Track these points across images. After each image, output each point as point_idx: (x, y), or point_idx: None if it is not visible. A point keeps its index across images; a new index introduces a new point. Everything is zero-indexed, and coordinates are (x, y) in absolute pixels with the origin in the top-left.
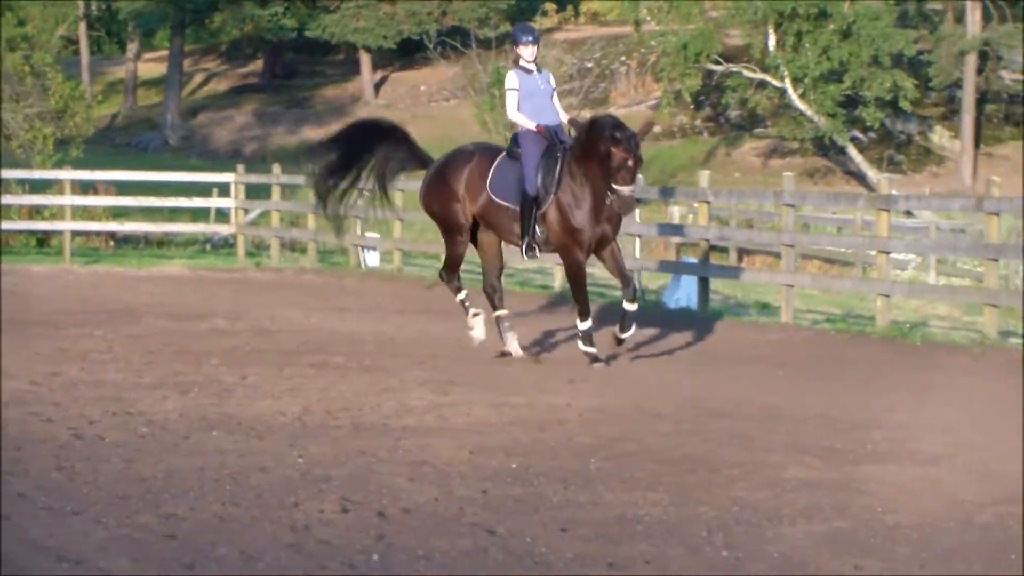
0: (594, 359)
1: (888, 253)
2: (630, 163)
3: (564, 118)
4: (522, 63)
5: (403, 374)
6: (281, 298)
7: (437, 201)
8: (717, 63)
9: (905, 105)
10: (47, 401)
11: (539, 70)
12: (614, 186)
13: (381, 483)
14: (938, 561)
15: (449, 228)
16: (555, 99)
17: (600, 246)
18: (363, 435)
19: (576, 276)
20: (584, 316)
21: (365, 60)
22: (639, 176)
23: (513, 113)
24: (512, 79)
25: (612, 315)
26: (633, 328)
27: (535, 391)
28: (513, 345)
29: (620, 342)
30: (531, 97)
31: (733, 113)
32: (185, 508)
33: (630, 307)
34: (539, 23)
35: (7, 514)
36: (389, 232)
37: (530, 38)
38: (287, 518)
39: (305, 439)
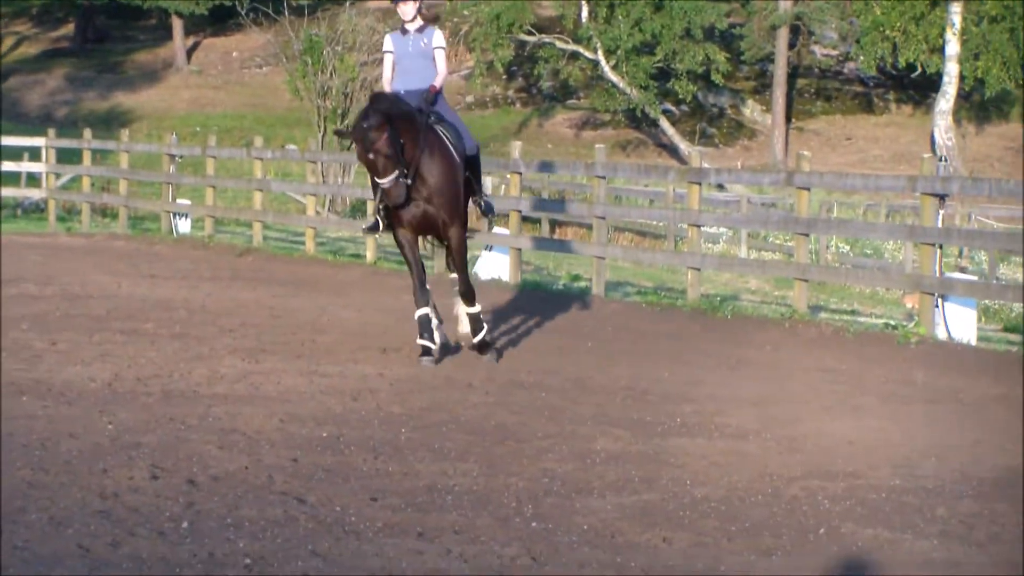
0: (424, 351)
1: (699, 226)
2: (369, 156)
3: (437, 82)
4: (404, 24)
5: (214, 342)
6: (92, 264)
7: None
8: (530, 34)
9: (717, 78)
10: None
11: (421, 29)
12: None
13: (191, 450)
14: (746, 533)
15: None
16: (437, 59)
17: (430, 229)
18: (173, 402)
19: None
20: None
21: (177, 25)
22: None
23: (384, 80)
24: (386, 42)
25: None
26: (483, 331)
27: (348, 361)
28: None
29: (480, 348)
30: (401, 60)
31: (546, 84)
32: None
33: (469, 309)
34: None
35: None
36: (201, 199)
37: None
38: (96, 484)
39: (115, 405)
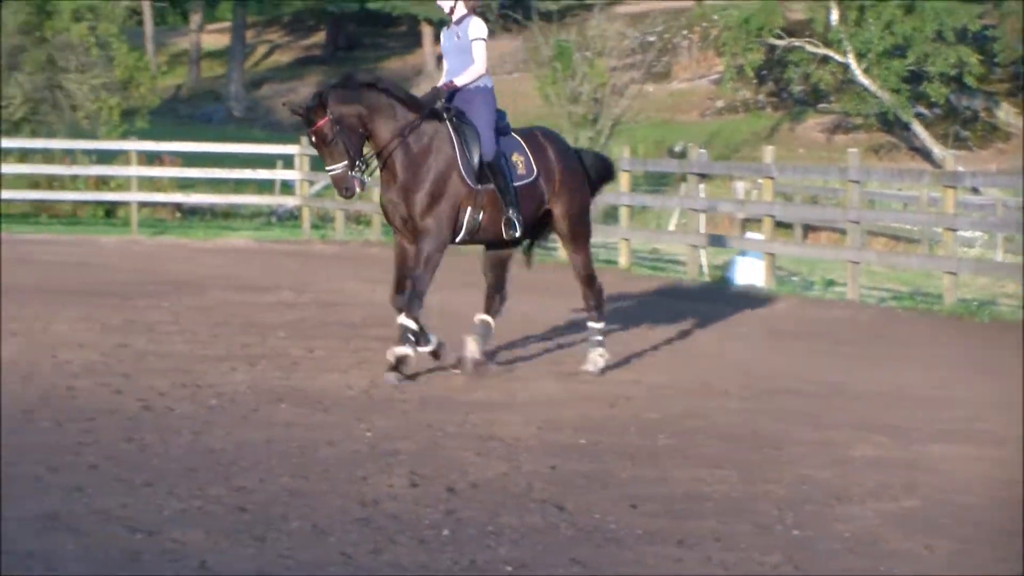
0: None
1: (955, 230)
2: (311, 139)
3: (462, 78)
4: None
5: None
6: (346, 271)
7: None
8: (779, 37)
9: (970, 81)
10: (116, 372)
11: (460, 21)
12: None
13: (449, 457)
14: (1009, 541)
15: None
16: (474, 51)
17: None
18: (430, 409)
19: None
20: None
21: (427, 32)
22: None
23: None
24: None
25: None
26: (408, 346)
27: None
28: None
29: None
30: (445, 56)
31: (796, 88)
32: (255, 481)
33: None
34: None
35: (80, 484)
36: None
37: None
38: (356, 492)
39: (373, 413)
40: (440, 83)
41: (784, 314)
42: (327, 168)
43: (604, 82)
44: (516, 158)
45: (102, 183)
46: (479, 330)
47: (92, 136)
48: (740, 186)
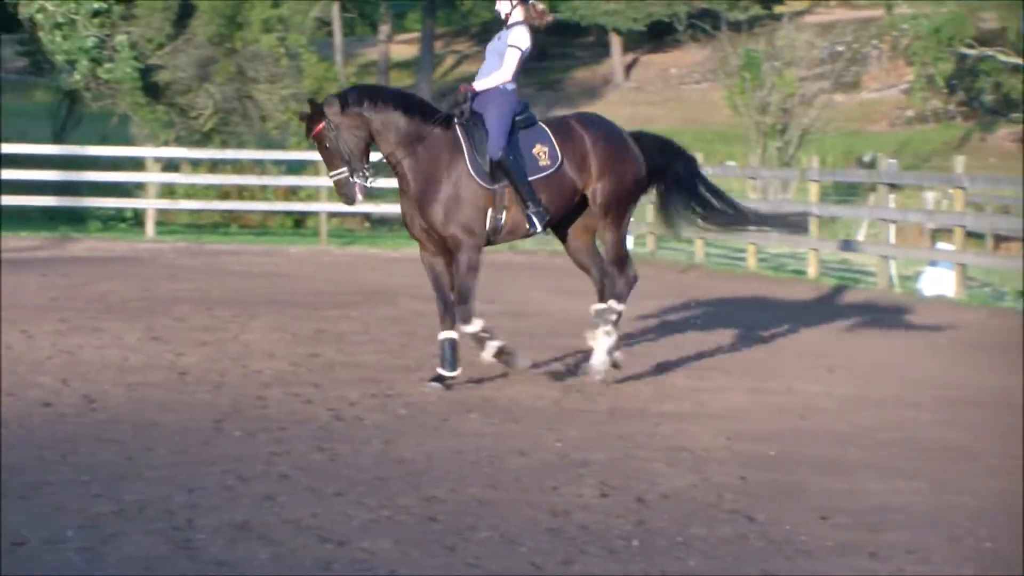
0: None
1: None
2: (314, 144)
3: (482, 82)
4: None
5: (659, 359)
6: (534, 281)
7: None
8: (970, 47)
9: None
10: (307, 382)
11: (511, 26)
12: None
13: (639, 468)
14: None
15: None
16: (506, 57)
17: (438, 243)
18: (620, 420)
19: None
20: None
21: (615, 42)
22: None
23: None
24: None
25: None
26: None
27: (793, 378)
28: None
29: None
30: (487, 56)
31: (987, 98)
32: (445, 490)
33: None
34: (789, 6)
35: (271, 494)
36: (643, 216)
37: None
38: (546, 502)
39: (562, 423)
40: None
41: (975, 325)
42: (329, 174)
43: (793, 92)
44: (539, 149)
45: (291, 193)
46: (597, 320)
47: (281, 147)
48: (930, 196)
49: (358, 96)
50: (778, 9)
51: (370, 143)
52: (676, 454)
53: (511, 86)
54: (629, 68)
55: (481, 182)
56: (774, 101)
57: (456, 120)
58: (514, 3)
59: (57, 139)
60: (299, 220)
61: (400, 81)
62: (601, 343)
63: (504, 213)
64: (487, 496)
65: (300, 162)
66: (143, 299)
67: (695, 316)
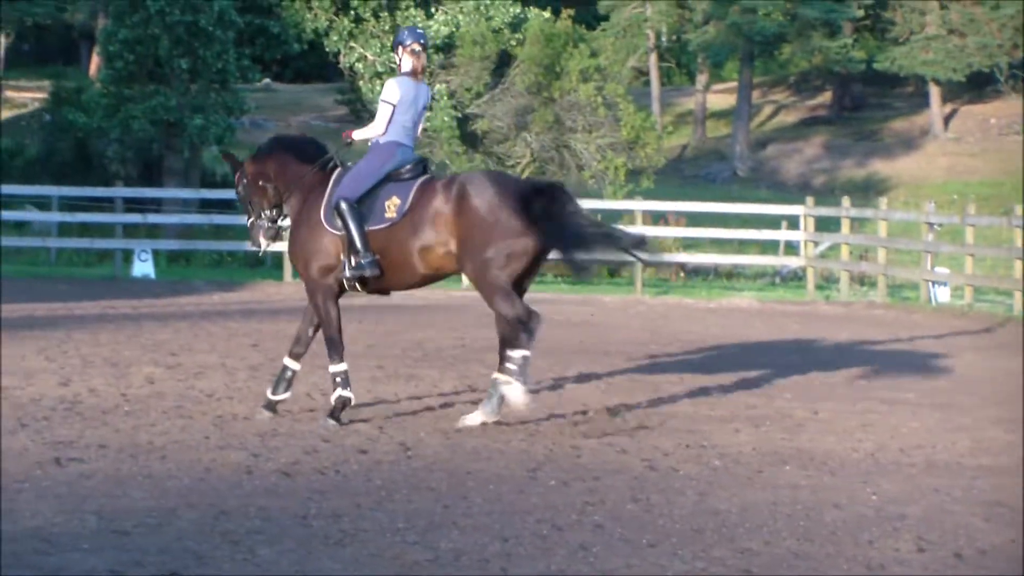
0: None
1: None
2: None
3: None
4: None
5: (977, 412)
6: (849, 332)
7: None
8: None
9: None
10: (621, 432)
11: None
12: None
13: (956, 523)
14: None
15: None
16: (378, 109)
17: None
18: (937, 473)
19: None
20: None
21: (934, 93)
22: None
23: None
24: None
25: None
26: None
27: None
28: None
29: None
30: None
31: None
32: (760, 543)
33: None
34: None
35: (586, 543)
36: (960, 267)
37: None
38: (863, 556)
39: (878, 476)
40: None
41: None
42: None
43: None
44: (392, 201)
45: None
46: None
47: (598, 196)
48: None
49: (268, 144)
50: None
51: (274, 190)
52: (993, 509)
53: (385, 139)
54: (948, 118)
55: (329, 227)
56: None
57: (334, 165)
58: (400, 53)
59: None
60: (614, 269)
61: (716, 131)
62: (505, 390)
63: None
64: (802, 549)
65: (616, 211)
66: (458, 347)
67: (1011, 368)
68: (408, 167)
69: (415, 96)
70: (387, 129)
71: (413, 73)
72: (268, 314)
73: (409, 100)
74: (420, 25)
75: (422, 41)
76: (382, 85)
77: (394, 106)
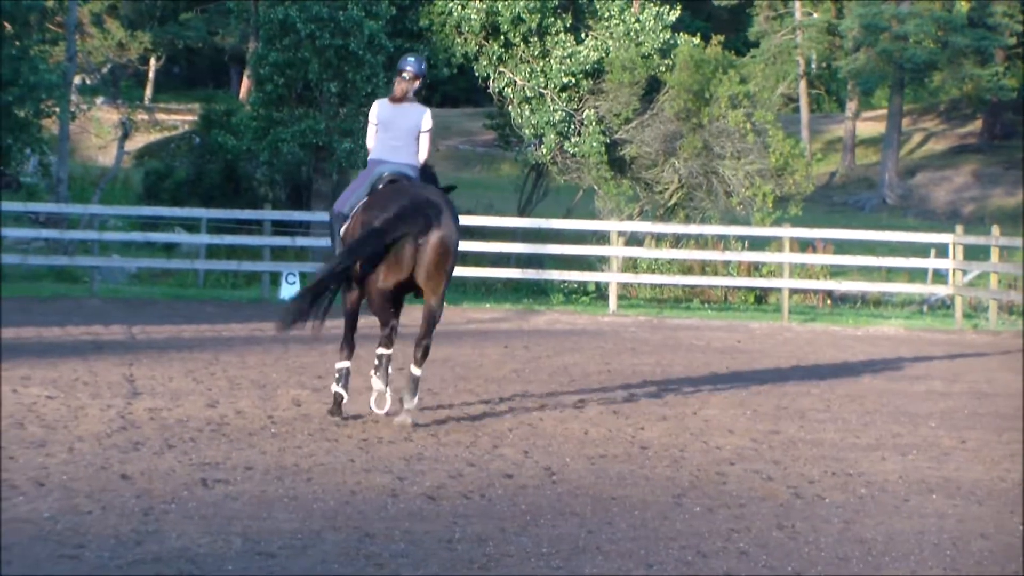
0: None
1: None
2: None
3: None
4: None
5: None
6: (998, 362)
7: None
8: None
9: None
10: (767, 459)
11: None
12: None
13: None
14: None
15: None
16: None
17: None
18: None
19: None
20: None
21: None
22: None
23: None
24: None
25: None
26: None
27: None
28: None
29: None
30: None
31: None
32: (906, 572)
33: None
34: None
35: (730, 570)
36: None
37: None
38: None
39: None
40: None
41: None
42: None
43: None
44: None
45: (754, 269)
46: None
47: (745, 222)
48: None
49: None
50: None
51: None
52: None
53: (370, 156)
54: None
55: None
56: None
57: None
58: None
59: (522, 212)
60: (760, 296)
61: (866, 158)
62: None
63: None
64: None
65: (763, 238)
66: (604, 372)
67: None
68: (383, 179)
69: (393, 116)
70: (374, 147)
71: (393, 97)
72: (414, 336)
73: (386, 120)
74: (570, 51)
75: (410, 69)
76: (531, 110)
77: (375, 125)
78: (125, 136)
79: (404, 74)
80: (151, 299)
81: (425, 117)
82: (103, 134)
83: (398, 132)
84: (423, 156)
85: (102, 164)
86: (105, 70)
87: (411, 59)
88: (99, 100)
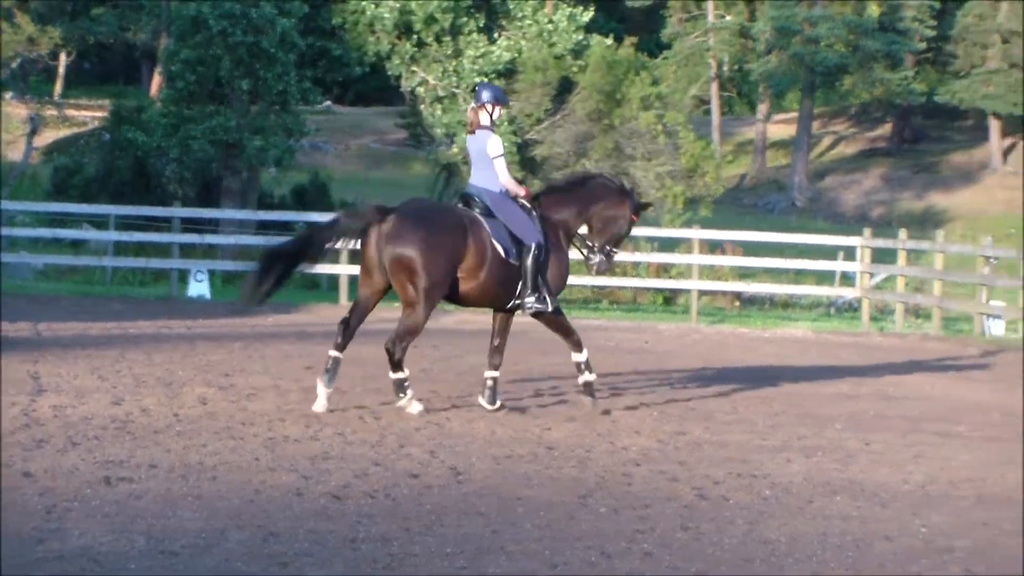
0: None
1: None
2: None
3: None
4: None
5: None
6: (904, 364)
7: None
8: None
9: None
10: (673, 460)
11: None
12: None
13: (1005, 556)
14: None
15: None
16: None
17: None
18: (987, 506)
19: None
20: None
21: (994, 127)
22: None
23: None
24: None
25: None
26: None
27: None
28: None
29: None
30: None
31: None
32: (808, 573)
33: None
34: None
35: (635, 571)
36: (1015, 301)
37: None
38: None
39: (928, 508)
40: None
41: None
42: None
43: None
44: None
45: (663, 270)
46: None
47: (655, 223)
48: None
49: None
50: None
51: None
52: None
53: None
54: (1007, 152)
55: None
56: None
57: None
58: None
59: None
60: (669, 298)
61: (776, 161)
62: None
63: None
64: None
65: (673, 239)
66: (512, 373)
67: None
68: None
69: (470, 145)
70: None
71: (467, 128)
72: (323, 336)
73: (469, 149)
74: (482, 50)
75: (479, 100)
76: (442, 109)
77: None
78: (34, 132)
79: (473, 104)
80: (58, 296)
81: (489, 144)
82: (11, 129)
83: (475, 158)
84: (502, 179)
85: (10, 160)
86: (14, 65)
87: (479, 90)
88: (8, 95)
